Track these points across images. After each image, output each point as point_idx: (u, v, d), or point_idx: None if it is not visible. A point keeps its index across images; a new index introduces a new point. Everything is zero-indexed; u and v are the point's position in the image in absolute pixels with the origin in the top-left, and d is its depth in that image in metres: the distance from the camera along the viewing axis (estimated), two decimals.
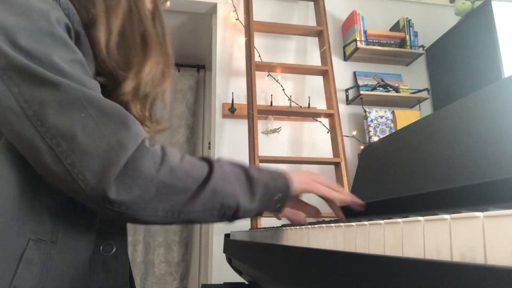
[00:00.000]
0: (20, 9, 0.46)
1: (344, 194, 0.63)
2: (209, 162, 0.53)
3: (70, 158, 0.43)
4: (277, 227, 0.72)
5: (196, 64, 3.44)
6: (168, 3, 0.68)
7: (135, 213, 0.46)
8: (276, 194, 0.56)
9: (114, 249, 0.56)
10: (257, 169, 0.57)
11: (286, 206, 0.59)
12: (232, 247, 0.99)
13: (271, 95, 2.22)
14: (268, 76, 2.25)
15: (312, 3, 2.42)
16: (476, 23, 2.06)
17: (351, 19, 2.38)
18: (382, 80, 2.41)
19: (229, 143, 2.17)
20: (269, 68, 2.16)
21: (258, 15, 2.34)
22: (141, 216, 0.46)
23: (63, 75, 0.45)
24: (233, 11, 2.33)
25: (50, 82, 0.44)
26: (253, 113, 1.94)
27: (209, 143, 2.79)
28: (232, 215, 0.53)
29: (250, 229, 0.89)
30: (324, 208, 0.73)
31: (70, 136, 0.43)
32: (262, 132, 2.22)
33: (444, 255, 0.23)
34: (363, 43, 2.32)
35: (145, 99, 0.60)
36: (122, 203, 0.44)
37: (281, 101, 2.25)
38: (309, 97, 2.27)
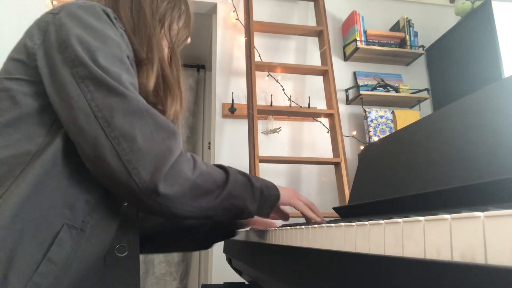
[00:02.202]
0: (100, 36, 0.58)
1: (317, 216, 0.76)
2: (225, 169, 0.64)
3: (129, 155, 0.52)
4: (277, 227, 0.72)
5: (196, 64, 3.44)
6: (189, 40, 0.83)
7: (172, 205, 0.55)
8: (269, 201, 0.68)
9: (127, 251, 0.64)
10: (256, 178, 0.68)
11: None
12: (232, 247, 0.99)
13: (271, 95, 2.22)
14: (268, 76, 2.25)
15: (312, 3, 2.42)
16: (476, 23, 2.06)
17: (351, 19, 2.38)
18: (382, 80, 2.41)
19: (229, 143, 2.17)
20: (269, 68, 2.16)
21: (258, 15, 2.34)
22: (176, 209, 0.56)
23: (130, 90, 0.56)
24: (233, 11, 2.33)
25: (120, 93, 0.54)
26: (253, 113, 1.94)
27: (209, 143, 2.79)
28: (239, 215, 0.65)
29: (250, 229, 0.89)
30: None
31: (131, 138, 0.53)
32: (262, 132, 2.21)
33: (444, 255, 0.23)
34: (363, 43, 2.32)
35: None
36: (165, 196, 0.54)
37: (281, 101, 2.25)
38: (309, 97, 2.27)
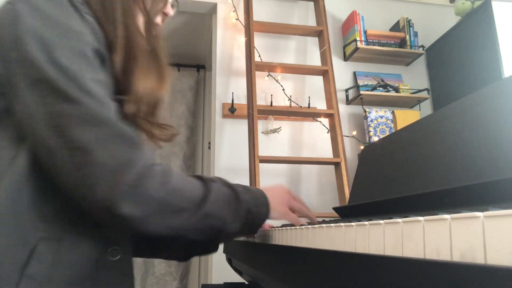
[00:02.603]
0: (60, 28, 0.51)
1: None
2: (205, 184, 0.57)
3: (84, 170, 0.47)
4: (277, 227, 0.72)
5: (196, 64, 3.44)
6: (171, 11, 0.71)
7: (137, 226, 0.50)
8: (258, 220, 0.61)
9: (120, 255, 0.59)
10: (246, 191, 0.61)
11: None
12: (232, 247, 0.99)
13: (271, 95, 2.22)
14: (268, 76, 2.25)
15: (312, 3, 2.42)
16: (476, 23, 2.05)
17: (351, 19, 2.38)
18: (382, 80, 2.41)
19: (229, 143, 2.17)
20: (269, 68, 2.16)
21: (258, 15, 2.34)
22: (141, 228, 0.51)
23: (87, 94, 0.49)
24: (233, 11, 2.33)
25: (74, 100, 0.48)
26: (253, 113, 1.94)
27: (209, 143, 2.79)
28: (217, 236, 0.58)
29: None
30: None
31: (86, 150, 0.47)
32: (262, 132, 2.21)
33: (444, 255, 0.23)
34: (363, 43, 2.32)
35: (150, 110, 0.64)
36: (126, 217, 0.48)
37: (281, 101, 2.25)
38: (309, 97, 2.27)
